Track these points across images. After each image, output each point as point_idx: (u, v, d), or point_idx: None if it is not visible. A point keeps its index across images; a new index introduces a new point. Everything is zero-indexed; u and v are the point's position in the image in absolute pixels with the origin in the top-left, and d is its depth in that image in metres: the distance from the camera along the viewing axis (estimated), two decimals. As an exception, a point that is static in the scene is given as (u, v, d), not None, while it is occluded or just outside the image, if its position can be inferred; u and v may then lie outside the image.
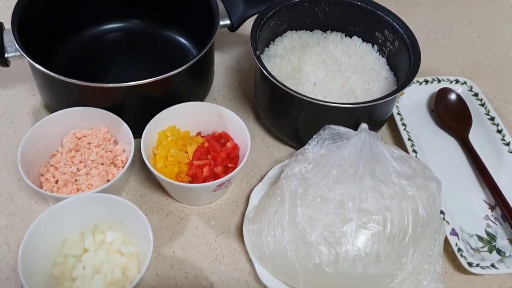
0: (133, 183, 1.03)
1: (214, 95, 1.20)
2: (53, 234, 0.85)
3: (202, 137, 1.03)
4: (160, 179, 0.92)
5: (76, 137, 0.98)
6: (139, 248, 0.88)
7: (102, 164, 0.96)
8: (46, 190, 0.90)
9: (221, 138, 1.03)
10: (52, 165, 0.96)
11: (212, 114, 1.03)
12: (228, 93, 1.21)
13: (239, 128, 1.00)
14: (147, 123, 0.98)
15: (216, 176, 0.96)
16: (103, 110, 0.98)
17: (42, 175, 0.95)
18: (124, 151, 0.99)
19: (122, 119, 0.97)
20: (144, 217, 0.83)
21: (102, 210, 0.87)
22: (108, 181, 0.95)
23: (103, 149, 0.97)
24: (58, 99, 1.02)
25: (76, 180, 0.93)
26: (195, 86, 1.09)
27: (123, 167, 0.98)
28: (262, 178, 1.06)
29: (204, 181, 0.95)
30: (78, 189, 0.92)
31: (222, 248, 0.95)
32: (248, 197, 1.03)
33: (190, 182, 0.96)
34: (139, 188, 1.03)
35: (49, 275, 0.84)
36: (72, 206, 0.85)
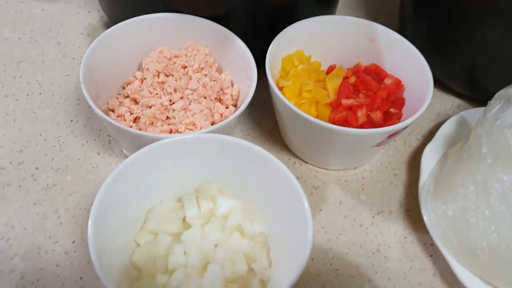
0: (237, 132, 0.70)
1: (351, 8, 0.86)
2: (135, 200, 0.52)
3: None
4: (300, 116, 0.58)
5: (165, 57, 0.64)
6: (269, 226, 0.55)
7: (205, 98, 0.62)
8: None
9: (370, 74, 0.70)
10: (127, 96, 0.63)
11: (358, 36, 0.69)
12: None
13: (408, 59, 0.66)
14: (265, 45, 0.64)
15: (374, 125, 0.63)
16: (205, 20, 0.65)
17: (112, 110, 0.62)
18: (232, 84, 0.66)
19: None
20: (293, 180, 0.50)
21: (216, 163, 0.54)
22: (213, 123, 0.62)
23: (205, 75, 0.63)
24: (131, 4, 0.69)
25: (167, 117, 0.60)
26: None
27: (234, 105, 0.64)
28: (424, 137, 0.72)
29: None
30: (171, 130, 0.59)
31: (384, 236, 0.62)
32: (409, 162, 0.69)
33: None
34: (248, 139, 0.69)
35: (127, 263, 0.51)
36: (166, 153, 0.52)
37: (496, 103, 0.60)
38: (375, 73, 0.70)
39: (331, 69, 0.72)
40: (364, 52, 0.70)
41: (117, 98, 0.63)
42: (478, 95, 0.76)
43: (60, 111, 0.69)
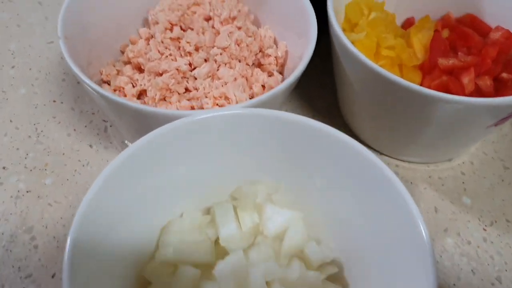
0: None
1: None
2: (141, 214, 0.34)
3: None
4: (385, 79, 0.38)
5: (180, 5, 0.45)
6: (347, 251, 0.36)
7: (239, 60, 0.43)
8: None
9: (468, 26, 0.50)
10: (127, 62, 0.44)
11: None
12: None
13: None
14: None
15: (483, 95, 0.43)
16: (236, -48, 0.46)
17: (107, 82, 0.43)
18: (276, 43, 0.47)
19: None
20: (398, 186, 0.31)
21: (263, 153, 0.35)
22: (252, 97, 0.43)
23: (238, 28, 0.44)
24: None
25: (187, 89, 0.41)
26: None
27: (280, 73, 0.45)
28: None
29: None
30: (192, 107, 0.40)
31: (504, 257, 0.42)
32: (524, 149, 0.49)
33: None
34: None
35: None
36: (186, 139, 0.33)
37: None
38: (472, 26, 0.50)
39: (408, 23, 0.52)
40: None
41: (114, 65, 0.44)
42: None
43: (39, 89, 0.51)
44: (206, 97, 0.39)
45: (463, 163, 0.48)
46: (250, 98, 0.42)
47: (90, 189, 0.29)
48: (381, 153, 0.48)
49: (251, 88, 0.43)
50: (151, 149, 0.32)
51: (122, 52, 0.46)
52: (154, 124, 0.33)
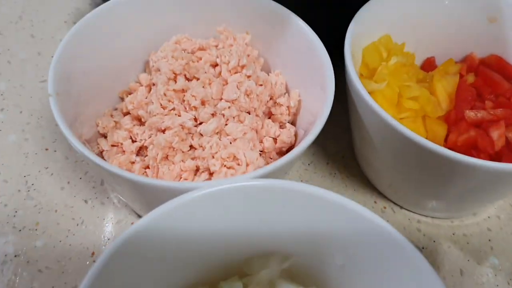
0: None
1: None
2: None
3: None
4: (406, 139, 0.35)
5: (184, 50, 0.42)
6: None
7: (249, 112, 0.40)
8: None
9: (493, 68, 0.46)
10: (126, 113, 0.41)
11: (470, 13, 0.46)
12: None
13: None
14: (335, 30, 0.41)
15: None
16: (244, -8, 0.42)
17: (104, 135, 0.40)
18: (287, 90, 0.43)
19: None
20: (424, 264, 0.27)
21: (276, 223, 0.32)
22: (262, 153, 0.39)
23: (248, 76, 0.40)
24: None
25: (191, 147, 0.37)
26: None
27: (292, 122, 0.42)
28: None
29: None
30: (198, 168, 0.36)
31: (543, 330, 0.39)
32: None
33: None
34: (310, 171, 0.46)
35: None
36: (190, 213, 0.30)
37: None
38: (498, 68, 0.46)
39: (428, 63, 0.48)
40: (478, 37, 0.47)
41: (111, 115, 0.40)
42: None
43: (31, 135, 0.47)
44: (214, 157, 0.35)
45: (489, 217, 0.45)
46: (260, 154, 0.39)
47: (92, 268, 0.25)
48: (401, 207, 0.45)
49: (261, 142, 0.39)
50: (151, 233, 0.28)
51: (122, 99, 0.43)
52: (151, 196, 0.29)
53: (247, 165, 0.35)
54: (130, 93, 0.42)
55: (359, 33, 0.43)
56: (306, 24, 0.40)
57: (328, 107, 0.36)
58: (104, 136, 0.40)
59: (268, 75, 0.43)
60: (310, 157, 0.47)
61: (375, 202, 0.45)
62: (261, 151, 0.39)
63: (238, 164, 0.35)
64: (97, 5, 0.41)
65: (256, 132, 0.39)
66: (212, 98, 0.38)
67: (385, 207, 0.44)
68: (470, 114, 0.40)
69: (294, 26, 0.41)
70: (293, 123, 0.42)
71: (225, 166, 0.35)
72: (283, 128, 0.40)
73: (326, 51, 0.39)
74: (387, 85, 0.40)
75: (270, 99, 0.42)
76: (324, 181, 0.46)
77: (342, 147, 0.48)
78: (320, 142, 0.48)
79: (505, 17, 0.45)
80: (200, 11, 0.44)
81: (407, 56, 0.46)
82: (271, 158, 0.39)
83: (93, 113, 0.40)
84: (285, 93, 0.43)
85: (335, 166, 0.47)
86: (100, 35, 0.41)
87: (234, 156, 0.35)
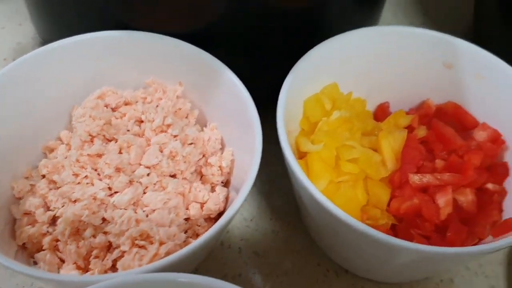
0: (236, 224, 0.44)
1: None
2: None
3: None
4: (331, 215, 0.32)
5: (106, 106, 0.39)
6: None
7: (174, 176, 0.37)
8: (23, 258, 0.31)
9: (447, 120, 0.43)
10: (46, 175, 0.37)
11: (426, 58, 0.43)
12: (409, 23, 0.59)
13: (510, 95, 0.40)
14: (275, 82, 0.38)
15: (463, 217, 0.37)
16: (177, 40, 0.39)
17: (20, 199, 0.37)
18: (223, 145, 0.40)
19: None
20: None
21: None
22: (188, 220, 0.36)
23: (174, 136, 0.37)
24: (71, 21, 0.43)
25: (104, 220, 0.34)
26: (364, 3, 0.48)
27: (224, 184, 0.39)
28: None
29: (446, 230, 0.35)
30: (109, 247, 0.33)
31: None
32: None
33: (396, 230, 0.37)
34: (252, 227, 0.43)
35: None
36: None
37: None
38: (455, 118, 0.43)
39: (381, 110, 0.45)
40: (435, 84, 0.44)
41: (27, 178, 0.37)
42: None
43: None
44: (124, 235, 0.32)
45: (442, 281, 0.42)
46: (187, 220, 0.36)
47: None
48: (347, 271, 0.41)
49: (187, 209, 0.36)
50: None
51: (46, 154, 0.40)
52: None
53: (161, 244, 0.32)
54: (52, 150, 0.39)
55: (300, 84, 0.39)
56: (237, 78, 0.37)
57: (254, 171, 0.33)
58: (20, 199, 0.37)
59: (203, 129, 0.40)
60: (254, 211, 0.44)
61: (318, 264, 0.41)
62: (187, 220, 0.36)
63: (151, 243, 0.32)
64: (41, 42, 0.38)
65: (184, 196, 0.36)
66: (129, 163, 0.35)
67: (328, 270, 0.41)
68: (415, 178, 0.37)
69: (225, 78, 0.38)
70: (228, 182, 0.39)
71: (137, 246, 0.32)
72: (214, 192, 0.37)
73: (255, 108, 0.36)
74: (325, 145, 0.37)
75: (203, 156, 0.39)
76: (265, 239, 0.43)
77: (288, 201, 0.45)
78: (265, 194, 0.45)
79: (461, 63, 0.42)
80: (131, 60, 0.40)
81: (356, 104, 0.43)
82: (199, 226, 0.36)
83: (8, 172, 0.37)
84: (220, 149, 0.40)
85: (278, 223, 0.44)
86: (24, 83, 0.38)
87: (148, 235, 0.33)
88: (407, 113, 0.43)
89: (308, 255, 0.42)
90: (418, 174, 0.37)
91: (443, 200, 0.36)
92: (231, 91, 0.37)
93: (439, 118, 0.43)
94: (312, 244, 0.42)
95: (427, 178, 0.37)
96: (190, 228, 0.36)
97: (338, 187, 0.37)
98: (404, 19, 0.60)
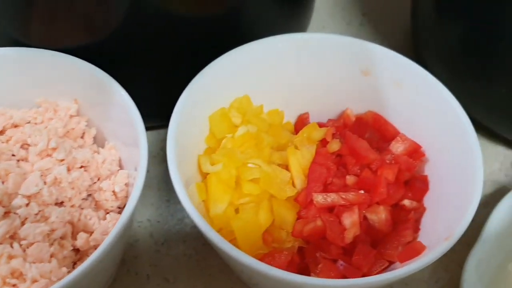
0: (142, 236, 0.41)
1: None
2: None
3: (320, 126, 0.41)
4: (227, 252, 0.30)
5: (-9, 129, 0.36)
6: None
7: (61, 203, 0.34)
8: None
9: (367, 131, 0.41)
10: None
11: (343, 65, 0.40)
12: (344, 31, 0.56)
13: (432, 105, 0.38)
14: (180, 92, 0.36)
15: (375, 237, 0.34)
16: (70, 57, 0.36)
17: None
18: (121, 166, 0.38)
19: (117, 80, 0.36)
20: None
21: None
22: (78, 251, 0.33)
23: (60, 161, 0.35)
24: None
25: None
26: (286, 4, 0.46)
27: (120, 209, 0.36)
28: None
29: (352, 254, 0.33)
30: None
31: None
32: None
33: (304, 252, 0.35)
34: (165, 259, 0.41)
35: None
36: None
37: None
38: (375, 128, 0.41)
39: (301, 121, 0.43)
40: (355, 92, 0.41)
41: None
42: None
43: None
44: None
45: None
46: (77, 251, 0.33)
47: None
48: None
49: (75, 239, 0.33)
50: None
51: None
52: None
53: (34, 281, 0.30)
54: None
55: (203, 99, 0.37)
56: (126, 94, 0.35)
57: (136, 192, 0.31)
58: None
59: (97, 152, 0.37)
60: (165, 234, 0.42)
61: (231, 288, 0.39)
62: (77, 251, 0.34)
63: (24, 280, 0.30)
64: None
65: (73, 225, 0.34)
66: (7, 193, 0.32)
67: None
68: (319, 198, 0.34)
69: (117, 95, 0.35)
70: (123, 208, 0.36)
71: (8, 283, 0.30)
72: (105, 220, 0.35)
73: (143, 129, 0.33)
74: (224, 165, 0.34)
75: (98, 179, 0.36)
76: (177, 263, 0.40)
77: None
78: (179, 216, 0.43)
79: (379, 71, 0.40)
80: (25, 78, 0.38)
81: (273, 116, 0.41)
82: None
83: None
84: (118, 170, 0.37)
85: (192, 245, 0.41)
86: None
87: (21, 273, 0.30)
88: (325, 124, 0.41)
89: (221, 279, 0.40)
90: (323, 194, 0.34)
91: (349, 221, 0.34)
92: (122, 108, 0.35)
93: (360, 129, 0.40)
94: (226, 267, 0.40)
95: (331, 198, 0.34)
96: (80, 259, 0.34)
97: (240, 209, 0.35)
98: (341, 20, 0.57)
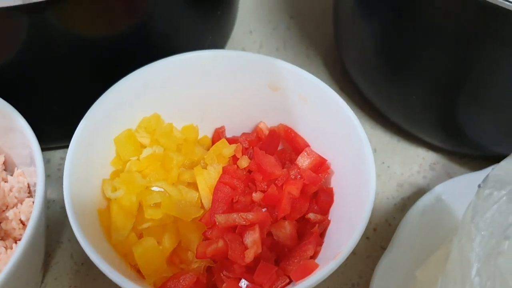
0: (62, 260, 0.42)
1: (243, 41, 0.56)
2: None
3: (229, 141, 0.41)
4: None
5: None
6: None
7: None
8: None
9: (278, 144, 0.41)
10: None
11: (253, 82, 0.41)
12: (270, 35, 0.57)
13: (334, 118, 0.38)
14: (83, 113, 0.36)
15: (279, 253, 0.35)
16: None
17: None
18: (29, 195, 0.38)
19: (17, 107, 0.36)
20: None
21: None
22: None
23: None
24: None
25: None
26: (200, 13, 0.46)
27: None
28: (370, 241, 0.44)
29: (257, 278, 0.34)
30: None
31: None
32: None
33: (212, 271, 0.35)
34: (85, 280, 0.41)
35: None
36: None
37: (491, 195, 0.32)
38: (287, 140, 0.41)
39: (217, 135, 0.43)
40: (266, 106, 0.42)
41: None
42: (461, 146, 0.47)
43: None
44: None
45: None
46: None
47: None
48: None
49: (-20, 271, 0.34)
50: None
51: None
52: None
53: None
54: None
55: (106, 123, 0.37)
56: (25, 121, 0.35)
57: (33, 220, 0.31)
58: None
59: (7, 177, 0.37)
60: (85, 254, 0.42)
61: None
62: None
63: None
64: None
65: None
66: None
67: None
68: (220, 219, 0.35)
69: (16, 122, 0.35)
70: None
71: None
72: (11, 249, 0.35)
73: (41, 158, 0.34)
74: (125, 191, 0.35)
75: (7, 208, 0.36)
76: (97, 284, 0.41)
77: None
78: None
79: (286, 85, 0.40)
80: None
81: (186, 132, 0.41)
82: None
83: None
84: (28, 197, 0.37)
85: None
86: None
87: None
88: (239, 138, 0.42)
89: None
90: (225, 214, 0.35)
91: (250, 239, 0.34)
92: (21, 133, 0.35)
93: (273, 141, 0.41)
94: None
95: (232, 218, 0.35)
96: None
97: (144, 234, 0.35)
98: (268, 24, 0.58)
